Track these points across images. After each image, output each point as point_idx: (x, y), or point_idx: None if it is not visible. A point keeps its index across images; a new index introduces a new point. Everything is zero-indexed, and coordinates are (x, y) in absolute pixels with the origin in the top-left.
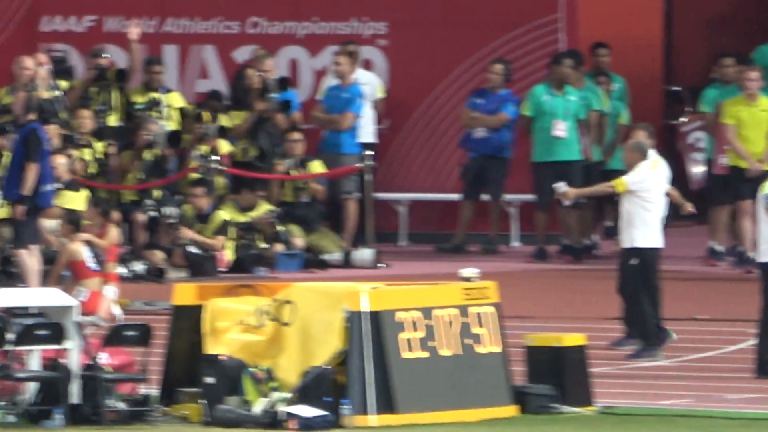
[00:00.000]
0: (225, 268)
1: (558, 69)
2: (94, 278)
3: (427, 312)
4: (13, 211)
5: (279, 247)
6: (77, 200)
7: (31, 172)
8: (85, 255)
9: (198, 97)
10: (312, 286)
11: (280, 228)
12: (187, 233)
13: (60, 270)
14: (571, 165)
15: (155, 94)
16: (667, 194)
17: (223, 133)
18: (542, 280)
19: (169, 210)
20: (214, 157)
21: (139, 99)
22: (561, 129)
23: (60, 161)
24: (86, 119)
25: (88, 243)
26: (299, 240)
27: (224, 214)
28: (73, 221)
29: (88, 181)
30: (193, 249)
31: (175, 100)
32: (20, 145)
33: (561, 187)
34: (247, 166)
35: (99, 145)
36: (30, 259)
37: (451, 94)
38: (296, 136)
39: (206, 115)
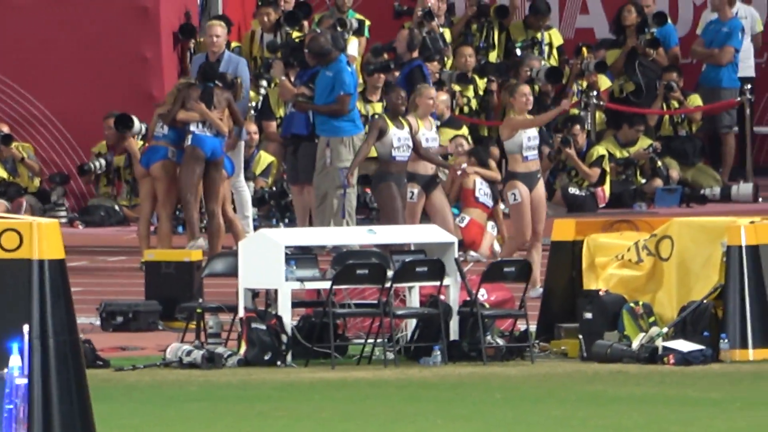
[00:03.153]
0: (604, 204)
1: None
2: (478, 209)
3: None
4: None
5: (658, 182)
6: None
7: None
8: (477, 185)
9: (578, 33)
10: (691, 220)
11: (658, 163)
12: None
13: (451, 190)
14: None
15: (535, 33)
16: None
17: (602, 68)
18: None
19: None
20: (593, 93)
21: (520, 37)
22: None
23: (442, 98)
24: (468, 56)
25: (480, 175)
26: (675, 172)
27: (601, 149)
28: (475, 154)
29: (468, 118)
30: (571, 189)
31: (555, 37)
32: (403, 82)
33: None
34: (625, 101)
35: (480, 83)
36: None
37: None
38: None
39: (584, 51)
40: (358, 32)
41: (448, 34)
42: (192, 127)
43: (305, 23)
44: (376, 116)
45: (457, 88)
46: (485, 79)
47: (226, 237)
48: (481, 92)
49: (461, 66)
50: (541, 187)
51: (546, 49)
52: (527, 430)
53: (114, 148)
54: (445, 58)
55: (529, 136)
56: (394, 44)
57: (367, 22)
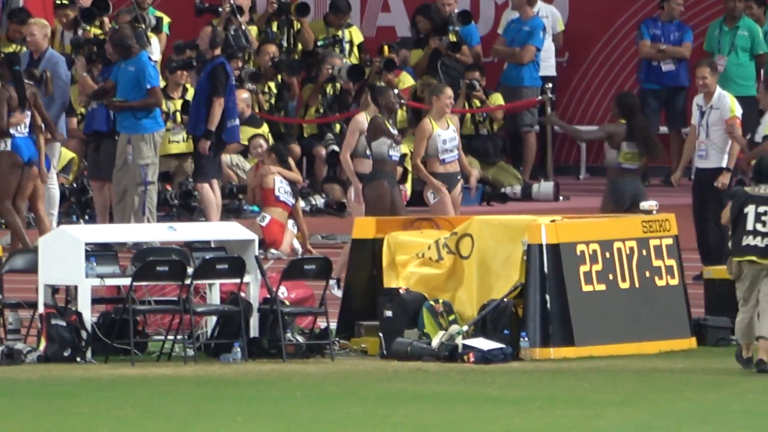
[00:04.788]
0: (405, 202)
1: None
2: (278, 208)
3: (606, 245)
4: (196, 145)
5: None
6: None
7: (218, 106)
8: (276, 184)
9: (379, 32)
10: (491, 219)
11: None
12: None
13: (250, 194)
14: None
15: (336, 31)
16: None
17: (391, 66)
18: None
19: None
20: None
21: (320, 35)
22: (721, 64)
23: (242, 96)
24: (269, 54)
25: (280, 174)
26: (476, 171)
27: (404, 148)
28: (275, 151)
29: (268, 116)
30: None
31: (356, 35)
32: (206, 80)
33: None
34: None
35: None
36: (211, 193)
37: (632, 27)
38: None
39: (385, 49)
40: (157, 29)
41: (254, 31)
42: (12, 131)
43: (105, 20)
44: (374, 117)
45: (260, 86)
46: (280, 76)
47: (32, 233)
48: (274, 90)
49: (264, 63)
50: (458, 188)
51: (347, 47)
52: (327, 428)
53: None
54: (252, 56)
55: (445, 139)
56: (197, 41)
57: (167, 19)
